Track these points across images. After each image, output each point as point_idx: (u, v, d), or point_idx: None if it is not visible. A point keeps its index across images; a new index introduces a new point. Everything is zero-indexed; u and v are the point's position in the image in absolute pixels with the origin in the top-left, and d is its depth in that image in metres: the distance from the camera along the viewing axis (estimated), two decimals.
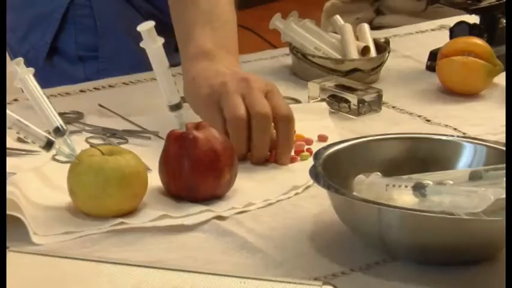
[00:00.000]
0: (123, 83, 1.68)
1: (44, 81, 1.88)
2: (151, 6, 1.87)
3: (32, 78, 1.29)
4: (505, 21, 1.77)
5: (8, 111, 1.25)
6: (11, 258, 1.03)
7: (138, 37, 1.77)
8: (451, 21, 1.82)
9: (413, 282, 1.12)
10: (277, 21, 1.72)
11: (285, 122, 1.38)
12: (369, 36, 1.73)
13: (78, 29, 1.85)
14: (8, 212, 1.18)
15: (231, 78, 1.41)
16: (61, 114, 1.30)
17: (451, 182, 1.20)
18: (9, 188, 1.23)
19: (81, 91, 1.65)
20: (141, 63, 1.46)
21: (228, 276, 1.01)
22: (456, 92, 1.64)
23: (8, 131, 1.29)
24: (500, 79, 1.58)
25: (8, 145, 1.41)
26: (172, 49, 1.50)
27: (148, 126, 1.48)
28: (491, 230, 1.15)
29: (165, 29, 1.53)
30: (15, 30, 1.95)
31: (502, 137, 1.40)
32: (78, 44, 1.85)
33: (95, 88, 1.66)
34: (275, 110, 1.37)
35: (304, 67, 1.68)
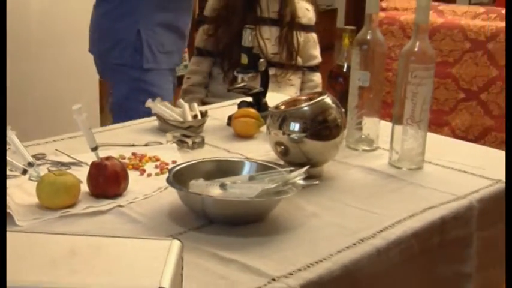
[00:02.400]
0: (69, 138, 1.55)
1: None
2: None
3: (15, 136, 1.18)
4: (264, 99, 1.74)
5: None
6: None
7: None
8: (238, 100, 1.78)
9: (222, 235, 1.07)
10: (149, 103, 1.65)
11: None
12: (197, 109, 1.67)
13: None
14: None
15: None
16: (33, 156, 1.20)
17: (240, 182, 1.17)
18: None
19: (46, 142, 1.51)
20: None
21: (123, 237, 0.92)
22: (241, 136, 1.60)
23: None
24: (263, 128, 1.54)
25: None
26: None
27: (81, 159, 1.36)
28: (259, 206, 1.12)
29: None
30: None
31: (265, 157, 1.37)
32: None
33: (54, 140, 1.53)
34: None
35: (165, 126, 1.61)
